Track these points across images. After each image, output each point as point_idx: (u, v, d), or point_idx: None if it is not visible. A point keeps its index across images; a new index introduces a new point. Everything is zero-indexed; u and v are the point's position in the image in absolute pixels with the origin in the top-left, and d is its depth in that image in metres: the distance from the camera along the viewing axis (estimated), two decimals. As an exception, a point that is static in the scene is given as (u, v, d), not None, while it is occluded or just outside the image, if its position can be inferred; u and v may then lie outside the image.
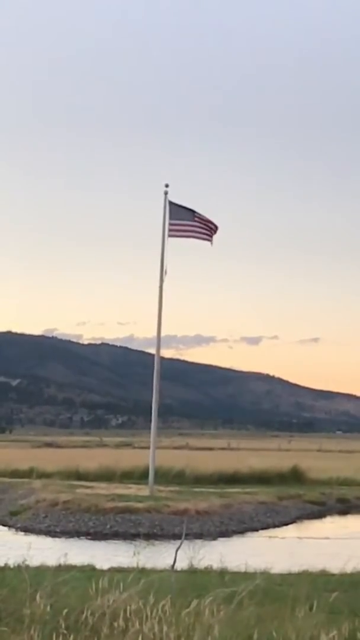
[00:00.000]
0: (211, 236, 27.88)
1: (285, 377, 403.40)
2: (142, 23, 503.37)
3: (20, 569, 9.73)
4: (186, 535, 11.34)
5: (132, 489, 29.00)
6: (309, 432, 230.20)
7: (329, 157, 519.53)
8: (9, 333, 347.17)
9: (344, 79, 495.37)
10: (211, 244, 27.97)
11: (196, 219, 27.61)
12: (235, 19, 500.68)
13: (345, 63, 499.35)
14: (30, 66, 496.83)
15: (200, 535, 21.71)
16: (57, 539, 22.45)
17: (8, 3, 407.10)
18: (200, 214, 27.73)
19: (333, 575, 12.69)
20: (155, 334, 28.90)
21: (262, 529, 25.31)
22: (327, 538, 15.73)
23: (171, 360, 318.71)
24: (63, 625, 6.99)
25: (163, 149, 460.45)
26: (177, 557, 8.94)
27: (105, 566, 13.56)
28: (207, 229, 27.79)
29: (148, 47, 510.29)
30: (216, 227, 27.91)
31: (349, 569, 12.86)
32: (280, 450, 67.48)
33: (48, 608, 7.31)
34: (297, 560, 13.89)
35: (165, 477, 32.62)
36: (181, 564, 11.68)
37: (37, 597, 7.40)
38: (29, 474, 36.11)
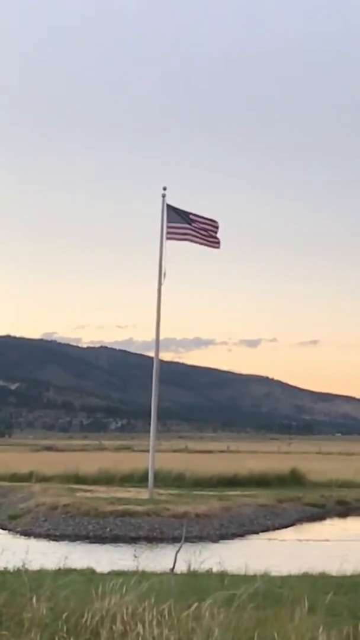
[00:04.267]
0: (213, 240, 27.77)
1: (284, 380, 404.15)
2: (140, 24, 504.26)
3: (20, 573, 9.73)
4: (186, 538, 11.34)
5: (131, 492, 28.98)
6: (308, 434, 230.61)
7: (329, 160, 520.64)
8: (8, 337, 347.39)
9: (346, 81, 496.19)
10: (218, 246, 27.85)
11: (193, 224, 27.55)
12: (235, 19, 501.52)
13: (348, 65, 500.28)
14: (28, 67, 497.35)
15: (200, 538, 21.70)
16: (56, 543, 22.41)
17: (6, 3, 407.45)
18: (196, 216, 27.66)
19: (333, 577, 12.67)
20: (154, 337, 28.87)
21: (262, 531, 25.26)
22: (327, 540, 15.67)
23: (170, 363, 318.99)
24: (63, 629, 7.00)
25: (161, 151, 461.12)
26: (177, 560, 8.93)
27: (105, 569, 13.55)
28: (206, 234, 27.64)
29: (146, 49, 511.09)
30: (217, 226, 27.83)
31: (348, 571, 12.87)
32: (279, 453, 67.46)
33: (48, 612, 7.31)
34: (297, 562, 13.87)
35: (164, 480, 32.63)
36: (181, 567, 11.67)
37: (37, 601, 7.40)
38: (28, 477, 36.13)
